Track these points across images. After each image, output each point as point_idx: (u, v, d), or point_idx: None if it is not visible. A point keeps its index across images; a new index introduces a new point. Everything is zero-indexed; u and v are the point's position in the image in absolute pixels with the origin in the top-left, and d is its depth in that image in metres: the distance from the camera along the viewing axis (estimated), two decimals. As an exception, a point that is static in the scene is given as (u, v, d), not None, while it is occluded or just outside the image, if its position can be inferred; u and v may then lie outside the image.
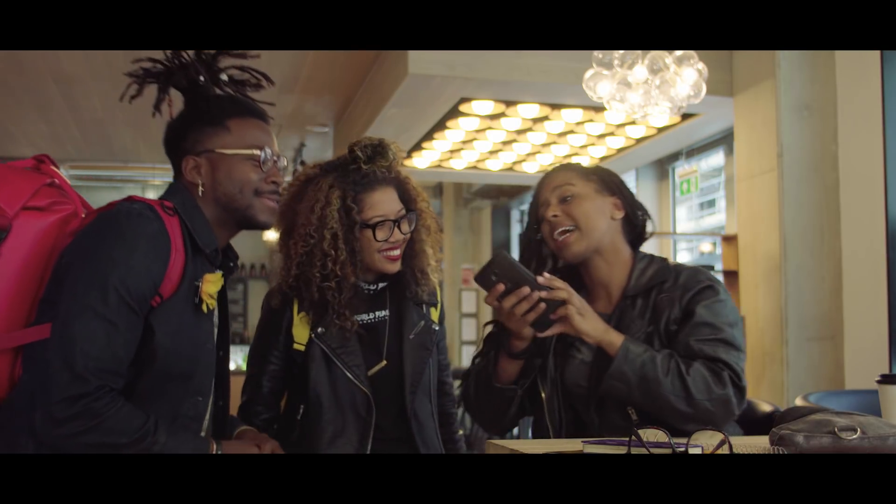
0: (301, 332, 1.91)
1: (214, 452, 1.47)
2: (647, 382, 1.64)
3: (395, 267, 1.93)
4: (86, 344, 1.35)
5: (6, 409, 1.42)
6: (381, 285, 1.97)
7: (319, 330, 1.88)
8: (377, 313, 1.97)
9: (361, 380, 1.88)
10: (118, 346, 1.39)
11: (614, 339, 1.69)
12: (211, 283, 1.55)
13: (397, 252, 1.92)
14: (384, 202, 1.91)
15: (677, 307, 1.75)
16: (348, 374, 1.87)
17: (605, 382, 1.68)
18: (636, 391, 1.65)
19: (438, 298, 2.08)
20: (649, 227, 1.91)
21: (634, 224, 1.88)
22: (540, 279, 1.67)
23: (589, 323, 1.69)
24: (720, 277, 3.44)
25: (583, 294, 1.85)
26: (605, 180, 1.87)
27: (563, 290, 1.68)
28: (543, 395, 1.81)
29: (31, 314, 1.44)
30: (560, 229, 1.82)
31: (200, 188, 1.57)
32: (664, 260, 1.87)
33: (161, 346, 1.44)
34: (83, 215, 1.52)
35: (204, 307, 1.53)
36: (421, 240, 2.00)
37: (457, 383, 1.99)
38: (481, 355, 1.95)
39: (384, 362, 1.94)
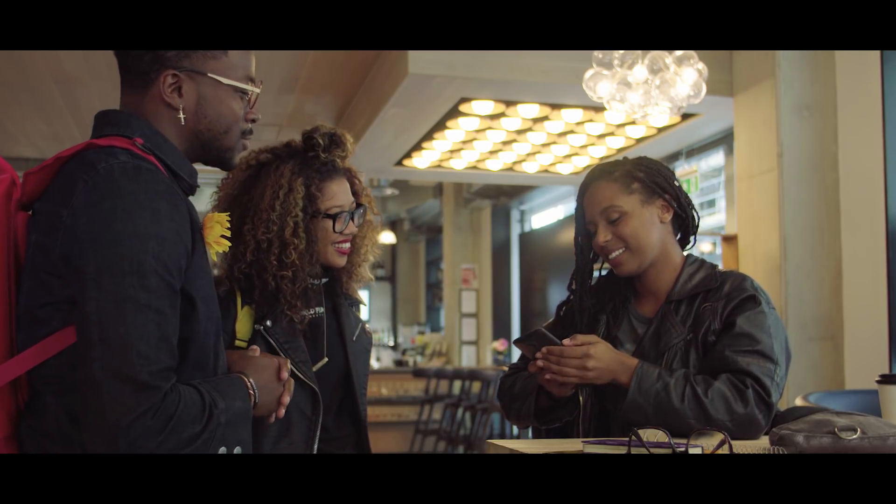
0: (244, 328, 1.82)
1: (250, 387, 1.31)
2: (663, 409, 1.63)
3: (343, 261, 1.90)
4: (140, 345, 1.12)
5: (27, 445, 1.21)
6: (323, 280, 1.93)
7: (268, 323, 1.80)
8: (317, 309, 1.92)
9: (310, 377, 1.81)
10: (170, 335, 1.17)
11: (623, 377, 1.68)
12: (218, 225, 1.38)
13: (348, 245, 1.89)
14: (342, 193, 1.87)
15: (718, 318, 1.74)
16: (296, 371, 1.79)
17: (623, 412, 1.68)
18: (653, 419, 1.63)
19: (360, 298, 2.06)
20: (697, 221, 1.90)
21: (683, 219, 1.87)
22: (566, 342, 1.70)
23: (601, 372, 1.69)
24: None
25: (631, 297, 1.88)
26: (648, 183, 1.83)
27: (578, 375, 1.69)
28: (581, 399, 1.80)
29: (12, 326, 1.20)
30: (613, 254, 1.82)
31: (182, 115, 1.30)
32: (713, 266, 1.85)
33: (202, 313, 1.24)
34: (20, 181, 1.24)
35: (213, 255, 1.37)
36: (363, 235, 1.97)
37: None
38: (514, 371, 1.95)
39: (326, 359, 1.89)
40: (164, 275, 1.16)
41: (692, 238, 1.92)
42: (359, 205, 1.93)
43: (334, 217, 1.85)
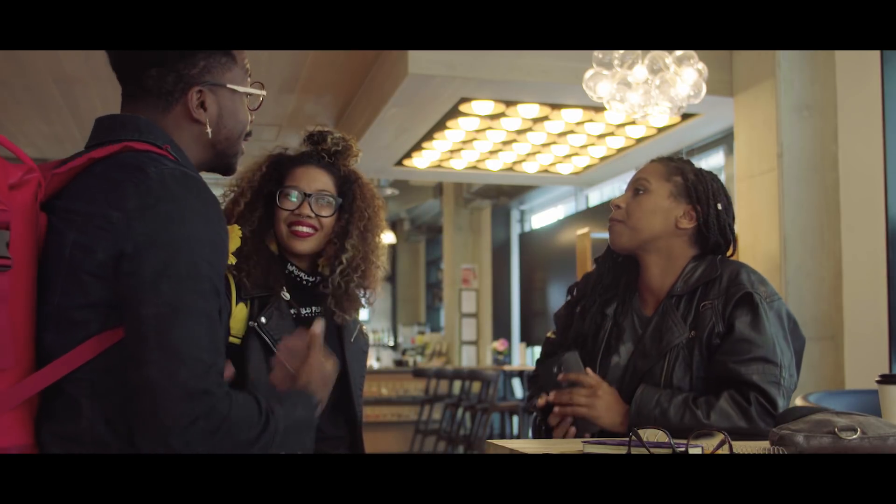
0: (237, 325, 1.83)
1: (314, 399, 1.34)
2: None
3: (302, 246, 1.89)
4: (195, 350, 1.13)
5: (49, 451, 1.17)
6: (317, 278, 1.94)
7: (262, 320, 1.82)
8: (313, 308, 1.93)
9: None
10: (220, 340, 1.19)
11: (624, 417, 1.72)
12: (235, 237, 1.41)
13: (304, 229, 1.88)
14: (305, 177, 1.91)
15: (721, 320, 1.73)
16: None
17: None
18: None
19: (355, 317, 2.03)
20: (729, 247, 1.86)
21: (707, 238, 1.82)
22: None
23: (608, 419, 1.74)
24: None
25: (635, 294, 1.87)
26: (689, 185, 1.82)
27: (585, 403, 1.74)
28: None
29: (32, 325, 1.17)
30: (612, 217, 1.85)
31: (209, 129, 1.32)
32: (714, 258, 1.82)
33: (225, 317, 1.26)
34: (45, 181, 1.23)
35: None
36: (345, 238, 1.92)
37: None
38: (536, 377, 1.98)
39: None
40: (215, 280, 1.18)
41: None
42: (335, 197, 1.92)
43: (282, 192, 1.89)
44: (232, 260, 1.44)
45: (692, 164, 1.89)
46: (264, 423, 1.19)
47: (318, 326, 1.48)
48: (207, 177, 1.43)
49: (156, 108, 1.30)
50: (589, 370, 1.78)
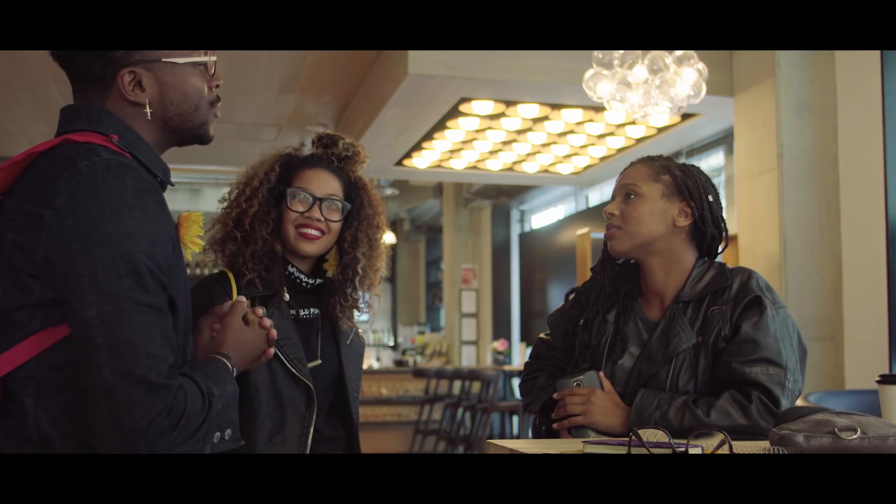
0: None
1: (231, 366, 1.30)
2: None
3: (310, 248, 1.90)
4: (146, 345, 1.11)
5: (4, 448, 1.16)
6: (318, 280, 1.95)
7: None
8: (311, 310, 1.94)
9: (304, 373, 1.84)
10: (171, 333, 1.17)
11: (623, 420, 1.73)
12: (194, 225, 1.34)
13: (313, 232, 1.89)
14: (315, 180, 1.91)
15: (728, 324, 1.72)
16: (290, 368, 1.82)
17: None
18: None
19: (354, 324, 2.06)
20: (723, 240, 1.86)
21: (702, 234, 1.82)
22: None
23: (605, 423, 1.75)
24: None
25: (638, 299, 1.86)
26: (678, 182, 1.81)
27: (580, 411, 1.76)
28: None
29: None
30: (609, 225, 1.83)
31: (148, 109, 1.26)
32: (722, 265, 1.82)
33: (181, 313, 1.22)
34: None
35: (188, 254, 1.33)
36: (357, 247, 1.95)
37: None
38: (530, 379, 2.00)
39: (319, 361, 1.91)
40: (158, 274, 1.15)
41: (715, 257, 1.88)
42: (343, 202, 1.93)
43: (292, 195, 1.90)
44: (199, 245, 1.38)
45: (674, 161, 1.88)
46: (207, 408, 1.18)
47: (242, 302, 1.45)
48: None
49: (94, 96, 1.26)
50: (608, 385, 1.78)
